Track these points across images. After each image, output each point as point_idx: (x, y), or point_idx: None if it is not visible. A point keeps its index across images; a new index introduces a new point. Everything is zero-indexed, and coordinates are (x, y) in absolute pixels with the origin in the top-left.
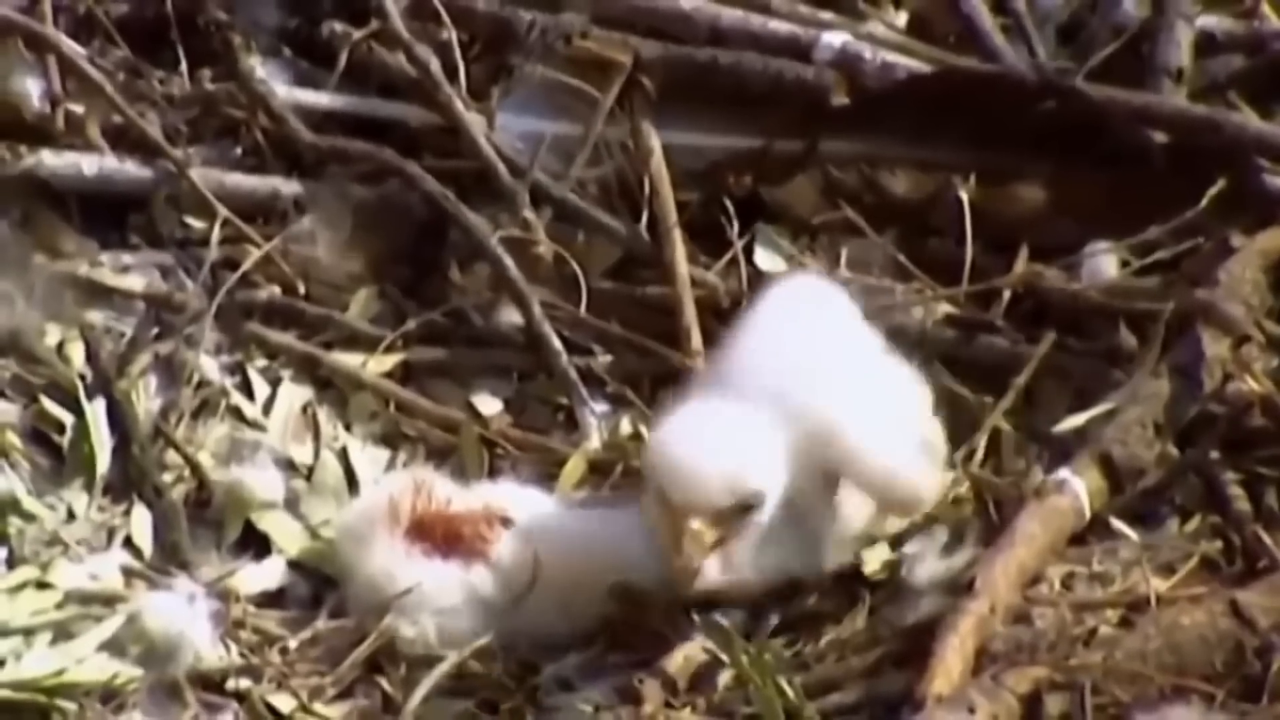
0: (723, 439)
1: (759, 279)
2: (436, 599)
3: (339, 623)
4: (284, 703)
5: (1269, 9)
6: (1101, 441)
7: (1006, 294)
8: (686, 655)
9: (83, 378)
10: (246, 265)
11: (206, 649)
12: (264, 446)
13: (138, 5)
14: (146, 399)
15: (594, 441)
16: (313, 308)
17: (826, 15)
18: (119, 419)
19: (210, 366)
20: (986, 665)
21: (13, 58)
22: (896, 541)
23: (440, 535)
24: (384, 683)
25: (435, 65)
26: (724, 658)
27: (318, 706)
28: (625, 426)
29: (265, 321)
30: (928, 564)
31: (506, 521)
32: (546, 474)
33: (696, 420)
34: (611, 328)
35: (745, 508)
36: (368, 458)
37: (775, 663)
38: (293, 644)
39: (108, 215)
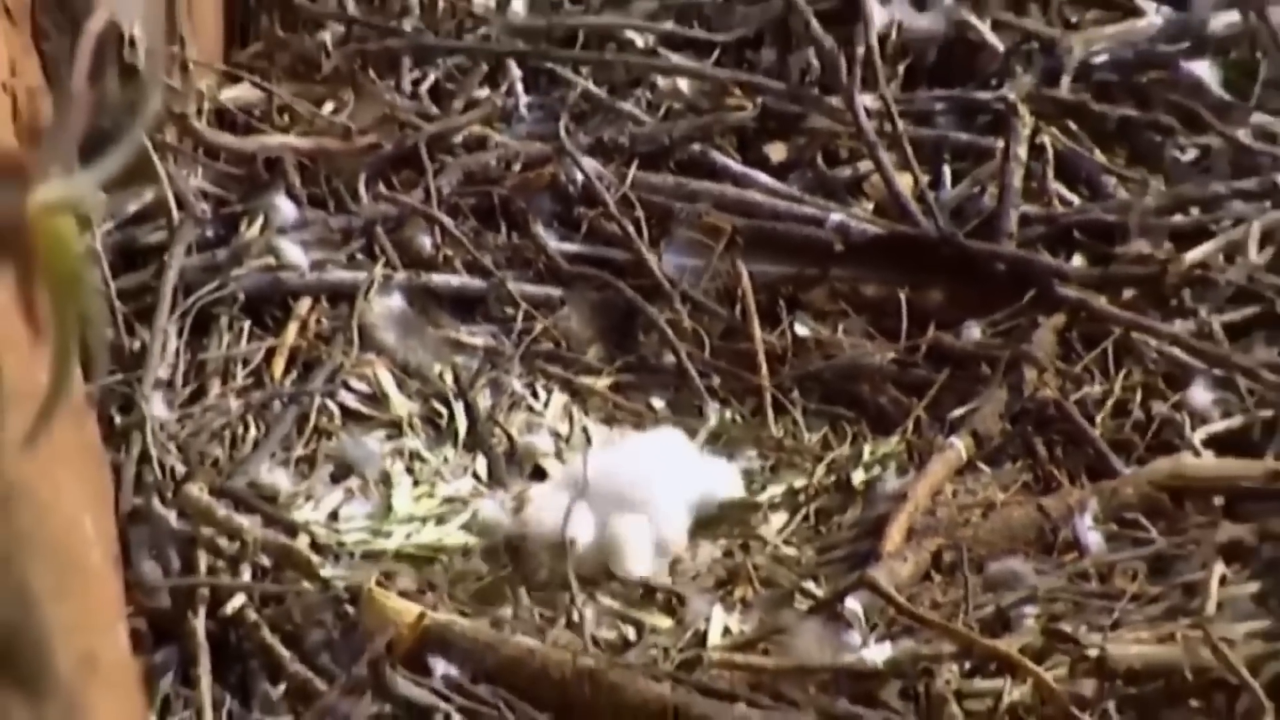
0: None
1: (798, 340)
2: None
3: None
4: None
5: (1057, 202)
6: (972, 423)
7: (924, 347)
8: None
9: (451, 391)
10: (535, 332)
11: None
12: (544, 426)
13: (477, 197)
14: (483, 402)
15: (712, 422)
16: (568, 354)
17: (832, 205)
18: (470, 412)
19: (517, 385)
20: (913, 537)
21: (415, 227)
22: (868, 469)
23: None
24: None
25: (631, 229)
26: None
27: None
28: (727, 415)
29: (546, 361)
30: (888, 484)
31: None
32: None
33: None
34: (721, 364)
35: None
36: (599, 434)
37: (796, 538)
38: None
39: (465, 307)
